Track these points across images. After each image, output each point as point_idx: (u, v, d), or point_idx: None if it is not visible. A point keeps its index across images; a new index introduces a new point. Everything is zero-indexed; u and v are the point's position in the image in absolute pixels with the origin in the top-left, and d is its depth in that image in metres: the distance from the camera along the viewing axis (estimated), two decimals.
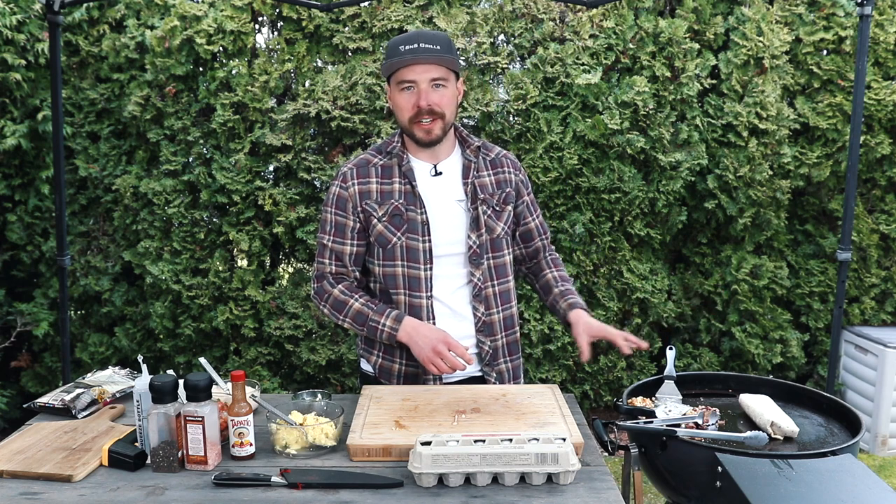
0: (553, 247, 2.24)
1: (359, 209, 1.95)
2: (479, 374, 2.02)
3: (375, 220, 1.94)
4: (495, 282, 2.00)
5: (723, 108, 3.90)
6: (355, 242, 1.98)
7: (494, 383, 2.01)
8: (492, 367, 2.02)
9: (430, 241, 1.93)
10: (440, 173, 1.97)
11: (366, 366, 2.07)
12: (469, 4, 3.89)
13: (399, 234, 1.93)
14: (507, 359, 2.06)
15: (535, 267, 2.19)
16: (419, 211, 1.93)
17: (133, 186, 3.88)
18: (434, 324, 1.94)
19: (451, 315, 1.96)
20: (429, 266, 1.93)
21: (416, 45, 1.84)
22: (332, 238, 1.98)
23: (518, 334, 2.11)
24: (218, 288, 3.94)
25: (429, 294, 1.93)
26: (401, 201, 1.93)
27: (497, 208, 2.00)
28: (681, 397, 1.97)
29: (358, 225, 1.97)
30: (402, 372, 1.99)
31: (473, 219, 1.96)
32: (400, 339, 1.88)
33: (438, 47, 1.85)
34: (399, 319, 1.88)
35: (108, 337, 4.12)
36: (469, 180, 1.97)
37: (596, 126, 3.78)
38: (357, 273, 2.02)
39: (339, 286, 1.96)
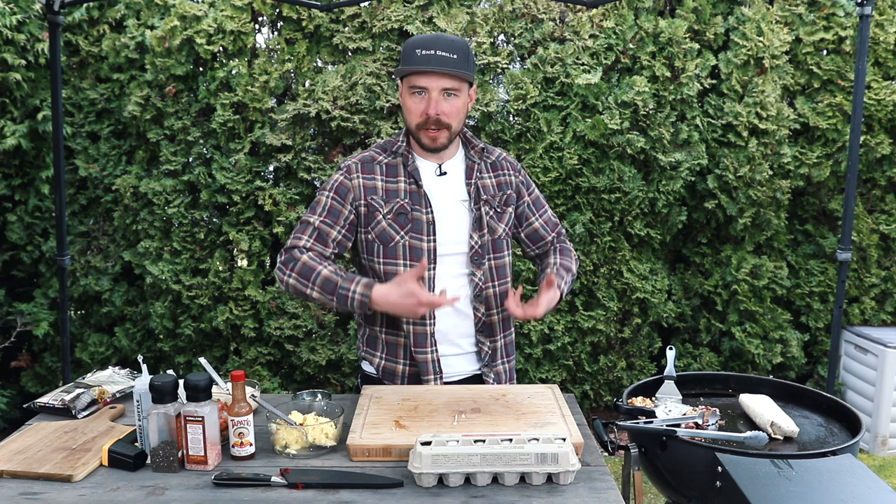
0: (565, 237, 2.20)
1: (361, 202, 1.93)
2: (479, 373, 2.03)
3: (380, 217, 1.92)
4: (496, 282, 2.01)
5: (723, 108, 3.90)
6: (344, 232, 1.94)
7: (492, 384, 2.02)
8: (490, 367, 2.03)
9: (434, 240, 1.93)
10: (445, 173, 1.98)
11: (368, 367, 2.06)
12: (469, 4, 3.89)
13: (403, 232, 1.92)
14: (505, 360, 2.07)
15: (543, 257, 2.16)
16: (425, 211, 1.92)
17: (133, 186, 3.88)
18: (434, 322, 1.94)
19: (453, 314, 1.96)
20: (433, 266, 1.93)
21: (432, 52, 1.83)
22: (321, 219, 1.92)
23: (513, 336, 2.12)
24: (218, 288, 3.94)
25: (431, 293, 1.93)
26: (406, 200, 1.93)
27: (498, 210, 2.01)
28: (681, 397, 1.97)
29: (352, 217, 1.94)
30: (406, 373, 1.99)
31: (476, 219, 1.96)
32: (374, 307, 1.82)
33: (455, 56, 1.84)
34: (370, 286, 1.79)
35: (108, 337, 4.12)
36: (472, 181, 1.98)
37: (596, 126, 3.78)
38: (334, 257, 1.96)
39: (308, 254, 1.88)
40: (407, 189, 1.94)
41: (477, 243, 1.96)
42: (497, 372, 2.04)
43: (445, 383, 1.97)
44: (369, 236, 1.95)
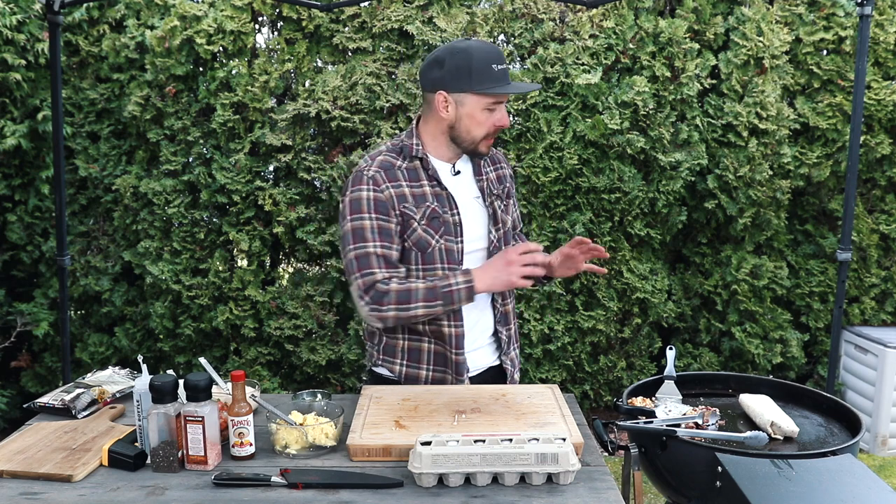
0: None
1: (397, 212, 1.89)
2: (498, 363, 2.08)
3: (415, 224, 1.89)
4: None
5: (723, 108, 3.90)
6: (398, 247, 1.90)
7: (509, 369, 2.08)
8: (507, 354, 2.09)
9: (462, 240, 1.95)
10: (458, 172, 1.99)
11: (387, 373, 2.03)
12: (469, 4, 3.89)
13: (437, 236, 1.91)
14: (515, 346, 2.14)
15: None
16: (452, 212, 1.93)
17: (133, 186, 3.88)
18: (461, 318, 1.95)
19: (476, 309, 1.99)
20: (459, 266, 1.95)
21: (505, 66, 1.87)
22: (379, 244, 1.85)
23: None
24: (218, 288, 3.94)
25: None
26: (435, 204, 1.91)
27: (504, 202, 2.07)
28: (681, 397, 1.97)
29: (398, 228, 1.90)
30: (430, 378, 1.98)
31: (491, 214, 2.01)
32: (479, 288, 1.84)
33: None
34: (467, 272, 1.85)
35: (108, 337, 4.12)
36: (482, 177, 2.02)
37: (596, 126, 3.78)
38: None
39: (393, 282, 1.85)
40: (432, 192, 1.92)
41: (495, 237, 2.01)
42: (511, 358, 2.11)
43: (471, 378, 2.00)
44: (406, 244, 1.91)
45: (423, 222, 1.90)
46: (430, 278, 1.88)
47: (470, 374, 2.00)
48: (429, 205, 1.91)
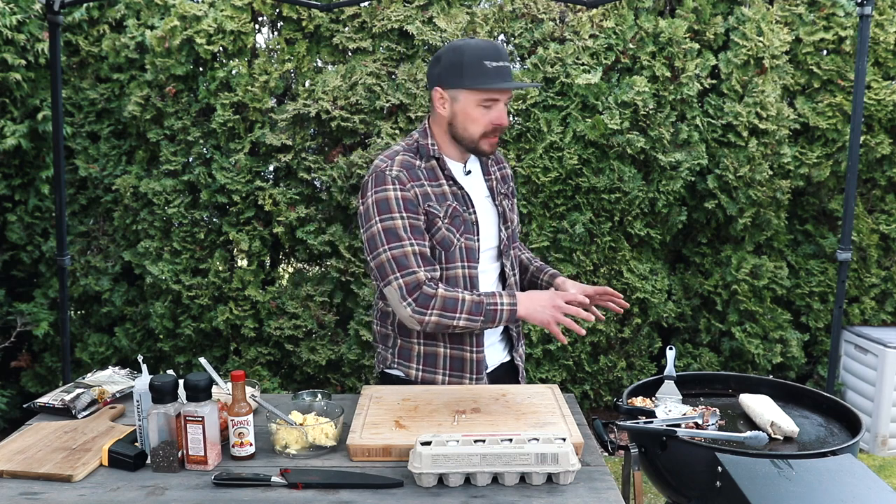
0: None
1: (423, 210, 1.89)
2: (509, 358, 2.12)
3: (440, 223, 1.90)
4: (516, 270, 2.11)
5: (723, 108, 3.90)
6: (428, 243, 1.90)
7: (520, 365, 2.12)
8: (516, 351, 2.13)
9: (479, 239, 1.97)
10: (469, 171, 2.01)
11: (404, 377, 2.02)
12: (469, 4, 3.89)
13: (458, 235, 1.93)
14: (521, 342, 2.18)
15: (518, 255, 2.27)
16: (469, 210, 1.95)
17: (133, 186, 3.88)
18: None
19: None
20: (477, 264, 1.97)
21: (502, 64, 1.85)
22: (414, 242, 1.85)
23: None
24: (218, 288, 3.94)
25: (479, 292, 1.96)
26: (454, 203, 1.93)
27: (510, 201, 2.11)
28: (681, 397, 1.97)
29: (425, 225, 1.91)
30: (446, 382, 1.98)
31: (501, 213, 2.04)
32: (520, 314, 1.83)
33: (509, 64, 1.89)
34: (512, 295, 1.84)
35: (108, 337, 4.12)
36: (490, 176, 2.05)
37: (596, 126, 3.78)
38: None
39: (441, 287, 1.84)
40: (450, 191, 1.94)
41: (504, 236, 2.04)
42: (520, 354, 2.15)
43: (487, 375, 2.02)
44: (430, 243, 1.91)
45: (446, 221, 1.92)
46: (477, 292, 1.87)
47: (488, 370, 2.03)
48: (450, 203, 1.92)
